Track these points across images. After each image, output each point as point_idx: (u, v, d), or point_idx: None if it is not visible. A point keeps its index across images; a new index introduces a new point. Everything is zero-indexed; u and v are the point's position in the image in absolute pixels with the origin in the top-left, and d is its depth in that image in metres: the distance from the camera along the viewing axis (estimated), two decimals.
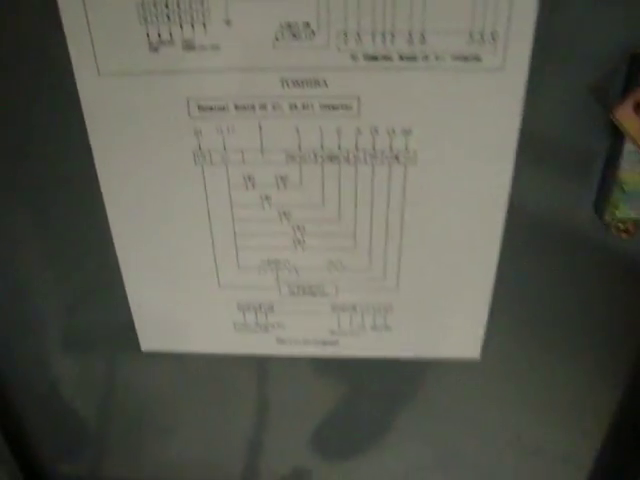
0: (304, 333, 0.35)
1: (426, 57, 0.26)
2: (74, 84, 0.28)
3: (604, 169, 0.29)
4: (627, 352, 0.36)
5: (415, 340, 0.35)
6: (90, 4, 0.26)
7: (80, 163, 0.30)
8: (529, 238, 0.32)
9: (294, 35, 0.26)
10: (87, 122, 0.29)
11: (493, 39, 0.26)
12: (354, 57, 0.26)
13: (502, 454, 0.41)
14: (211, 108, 0.28)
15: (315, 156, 0.29)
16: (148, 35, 0.26)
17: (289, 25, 0.25)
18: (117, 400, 0.41)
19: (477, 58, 0.26)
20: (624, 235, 0.31)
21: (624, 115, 0.26)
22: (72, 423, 0.43)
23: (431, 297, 0.33)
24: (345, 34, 0.25)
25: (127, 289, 0.34)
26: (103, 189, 0.31)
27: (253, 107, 0.27)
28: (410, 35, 0.25)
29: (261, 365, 0.38)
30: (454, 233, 0.31)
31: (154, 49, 0.26)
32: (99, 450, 0.45)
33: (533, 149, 0.29)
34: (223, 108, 0.28)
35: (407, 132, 0.28)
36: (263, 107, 0.27)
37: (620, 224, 0.30)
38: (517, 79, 0.26)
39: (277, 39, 0.26)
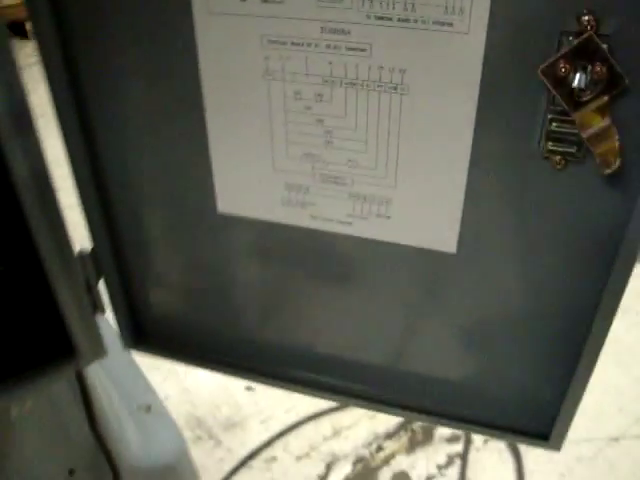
0: (329, 213, 0.50)
1: (416, 20, 0.39)
2: (191, 20, 0.43)
3: (543, 114, 0.41)
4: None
5: (406, 229, 0.49)
6: None
7: (189, 78, 0.46)
8: (493, 162, 0.44)
9: None
10: (199, 49, 0.44)
11: (461, 12, 0.38)
12: (368, 16, 0.40)
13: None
14: (275, 42, 0.42)
15: (341, 82, 0.43)
16: None
17: None
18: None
19: (450, 24, 0.39)
20: (558, 166, 0.42)
21: (546, 72, 0.38)
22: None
23: (418, 195, 0.46)
24: (362, 0, 0.39)
25: (214, 167, 0.50)
26: (205, 90, 0.46)
27: (302, 44, 0.42)
28: (405, 5, 0.39)
29: None
30: (434, 147, 0.44)
31: (243, 0, 0.41)
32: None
33: (492, 97, 0.41)
34: (284, 43, 0.42)
35: (402, 71, 0.41)
36: (309, 45, 0.42)
37: (554, 157, 0.42)
38: (478, 41, 0.39)
39: (320, 0, 0.40)
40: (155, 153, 0.52)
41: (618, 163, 0.38)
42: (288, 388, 0.62)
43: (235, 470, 1.10)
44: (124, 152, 0.53)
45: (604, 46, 0.37)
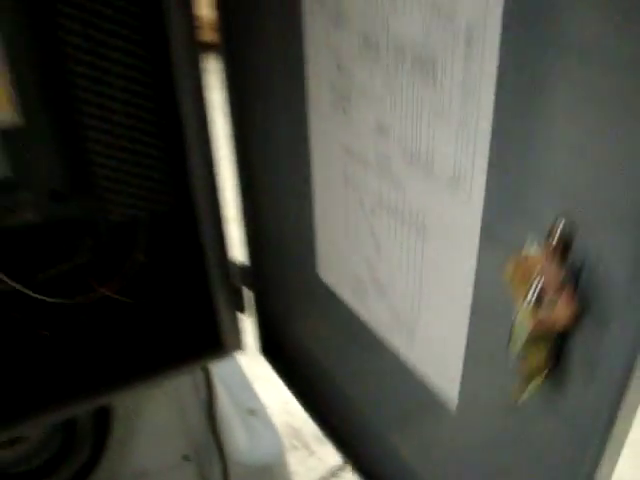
0: (377, 315, 0.54)
1: (432, 179, 0.42)
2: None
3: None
4: None
5: (424, 362, 0.50)
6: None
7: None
8: (489, 334, 0.43)
9: (381, 132, 0.45)
10: (310, 142, 0.55)
11: (464, 186, 0.40)
12: (403, 157, 0.44)
13: None
14: (348, 153, 0.50)
15: (385, 206, 0.48)
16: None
17: (379, 128, 0.45)
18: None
19: (455, 193, 0.41)
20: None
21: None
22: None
23: (433, 332, 0.48)
24: (399, 139, 0.44)
25: (317, 242, 0.60)
26: (313, 163, 0.56)
27: (364, 162, 0.48)
28: (426, 169, 0.42)
29: None
30: (441, 291, 0.45)
31: (332, 111, 0.50)
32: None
33: (487, 268, 0.41)
34: (353, 157, 0.49)
35: (423, 225, 0.44)
36: (368, 164, 0.48)
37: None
38: (476, 209, 0.40)
39: (376, 130, 0.46)
40: (285, 215, 0.65)
41: (525, 396, 0.36)
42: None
43: (325, 479, 1.18)
44: (271, 212, 0.67)
45: (559, 263, 0.34)
